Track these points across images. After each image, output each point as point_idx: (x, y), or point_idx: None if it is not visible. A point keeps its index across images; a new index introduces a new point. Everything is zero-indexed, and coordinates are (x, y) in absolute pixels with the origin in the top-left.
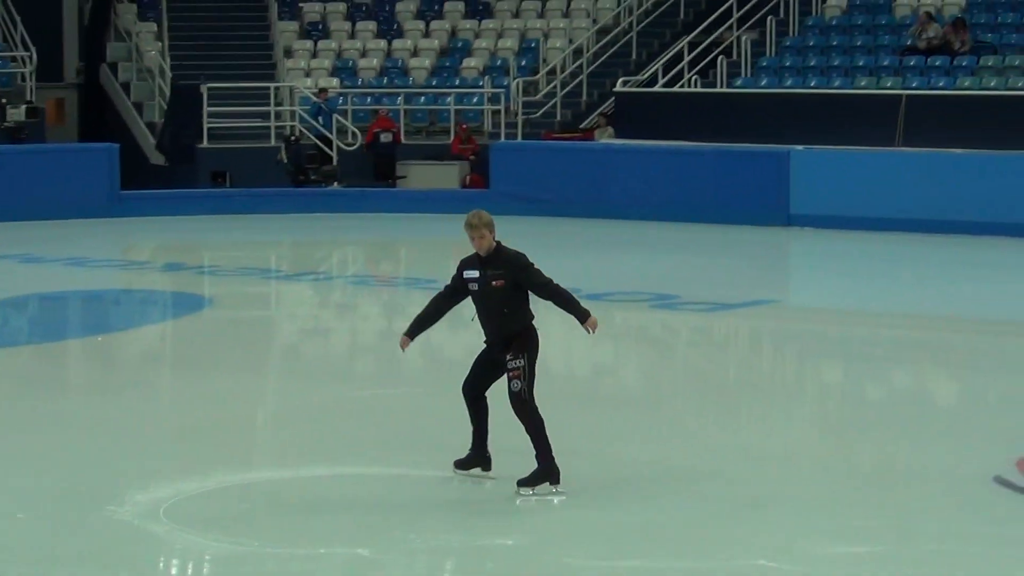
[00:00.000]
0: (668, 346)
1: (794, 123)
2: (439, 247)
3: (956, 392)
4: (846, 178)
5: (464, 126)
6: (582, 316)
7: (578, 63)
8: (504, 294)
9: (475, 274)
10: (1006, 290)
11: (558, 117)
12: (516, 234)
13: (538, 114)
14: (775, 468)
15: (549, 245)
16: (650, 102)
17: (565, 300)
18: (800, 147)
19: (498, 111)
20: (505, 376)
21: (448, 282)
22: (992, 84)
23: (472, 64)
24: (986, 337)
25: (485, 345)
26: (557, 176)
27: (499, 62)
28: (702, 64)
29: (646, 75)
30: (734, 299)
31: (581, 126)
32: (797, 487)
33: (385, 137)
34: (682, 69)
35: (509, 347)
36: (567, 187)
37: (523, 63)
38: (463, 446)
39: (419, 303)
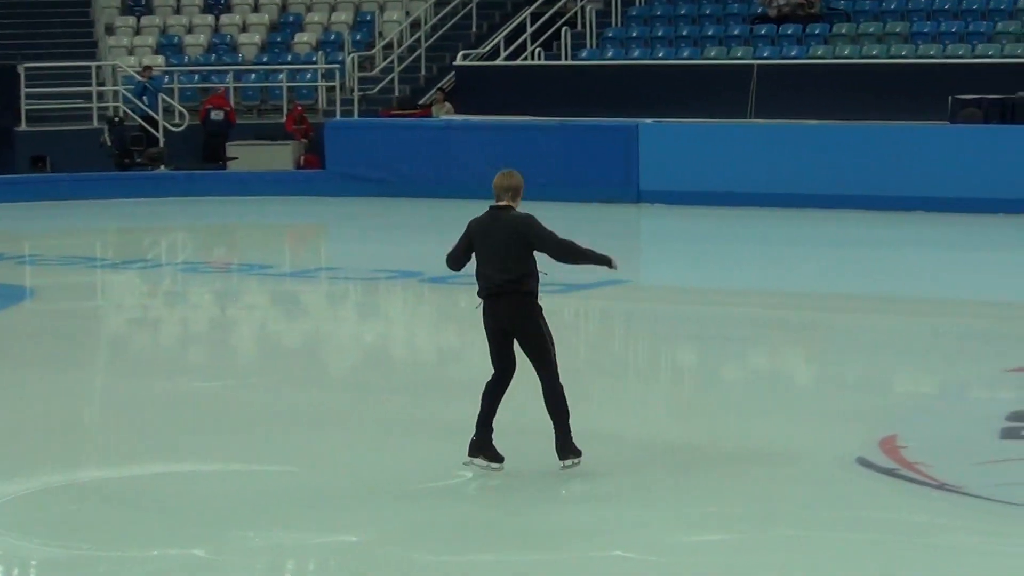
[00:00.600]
0: None
1: (642, 96)
2: (273, 231)
3: (816, 372)
4: (697, 152)
5: (297, 104)
6: None
7: (416, 36)
8: None
9: None
10: (862, 265)
11: (396, 93)
12: (353, 216)
13: (375, 90)
14: (631, 455)
15: (388, 227)
16: (492, 76)
17: None
18: (649, 120)
19: (333, 88)
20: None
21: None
22: (846, 52)
23: (304, 39)
24: (844, 314)
25: None
26: (395, 155)
27: (333, 36)
28: (545, 36)
29: (487, 48)
30: (584, 279)
31: (419, 102)
32: (653, 474)
33: (216, 115)
34: (525, 41)
35: None
36: (406, 166)
37: (358, 37)
38: (303, 439)
39: (254, 290)
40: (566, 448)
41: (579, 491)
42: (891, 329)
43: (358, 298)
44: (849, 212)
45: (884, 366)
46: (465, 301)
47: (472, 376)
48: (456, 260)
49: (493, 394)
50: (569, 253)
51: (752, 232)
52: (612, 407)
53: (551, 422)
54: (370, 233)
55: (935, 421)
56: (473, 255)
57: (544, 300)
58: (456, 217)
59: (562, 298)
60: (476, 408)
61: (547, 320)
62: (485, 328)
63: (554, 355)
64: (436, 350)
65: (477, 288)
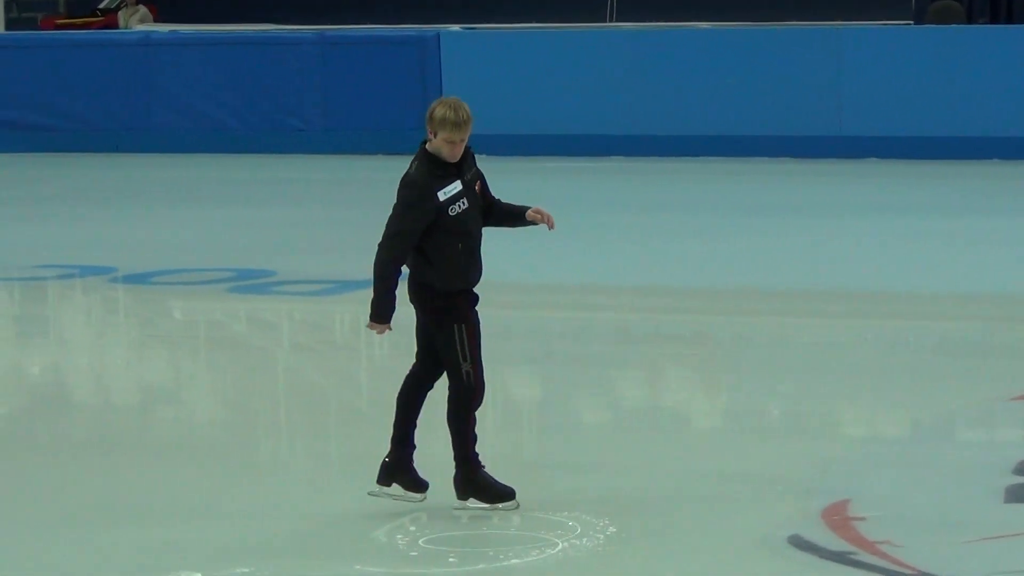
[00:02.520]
0: (263, 354)
1: None
2: None
3: (720, 407)
4: (531, 76)
5: None
6: (527, 215)
7: None
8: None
9: (457, 187)
10: (784, 243)
11: None
12: (1, 184)
13: None
14: (458, 537)
15: (57, 199)
16: None
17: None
18: (456, 27)
19: None
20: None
21: (401, 226)
22: None
23: None
24: (758, 319)
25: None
26: (64, 88)
27: None
28: None
29: None
30: (359, 273)
31: (100, 6)
32: (525, 554)
33: None
34: None
35: None
36: (81, 105)
37: None
38: None
39: None
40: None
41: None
42: (833, 340)
43: (14, 310)
44: (763, 163)
45: (824, 396)
46: (181, 309)
47: (197, 428)
48: None
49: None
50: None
51: (614, 195)
52: (422, 464)
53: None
54: (30, 210)
55: (905, 478)
56: None
57: (298, 305)
58: (163, 181)
59: (325, 302)
60: (201, 470)
61: None
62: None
63: None
64: (139, 389)
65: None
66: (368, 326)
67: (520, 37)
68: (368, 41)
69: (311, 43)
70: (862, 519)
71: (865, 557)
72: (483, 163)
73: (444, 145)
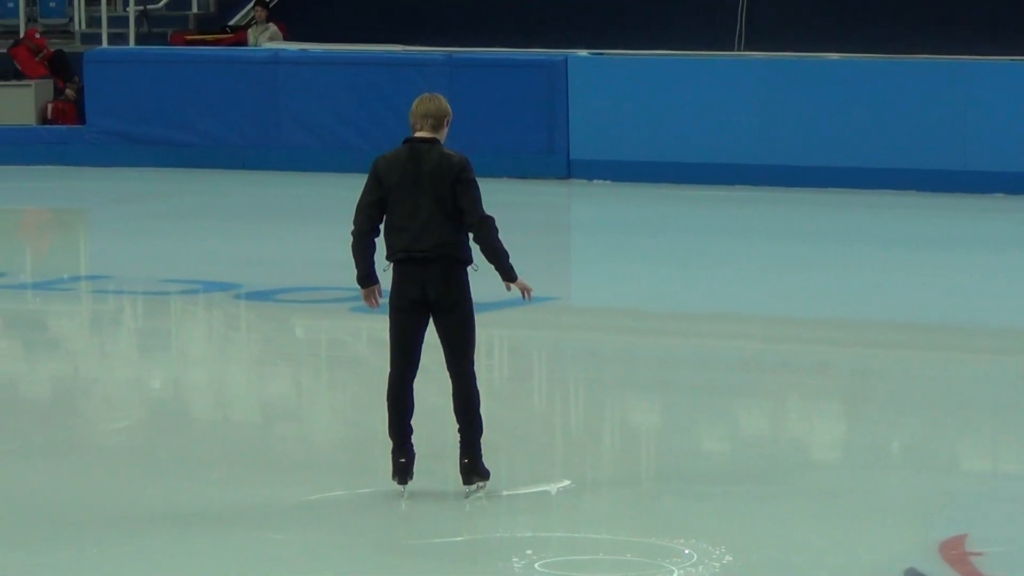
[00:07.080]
0: (384, 373)
1: (574, 17)
2: (6, 220)
3: (839, 439)
4: (658, 102)
5: (34, 29)
6: None
7: None
8: None
9: None
10: (909, 277)
11: (194, 9)
12: (129, 198)
13: (160, 5)
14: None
15: (184, 215)
16: None
17: None
18: (583, 52)
19: (95, 1)
20: None
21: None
22: None
23: None
24: (881, 351)
25: None
26: (193, 104)
27: None
28: None
29: None
30: (490, 295)
31: (230, 23)
32: None
33: None
34: None
35: None
36: (210, 122)
37: None
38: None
39: None
40: (474, 469)
41: None
42: (956, 374)
43: (139, 324)
44: (888, 195)
45: (946, 430)
46: (304, 326)
47: (315, 446)
48: (368, 218)
49: (405, 398)
50: (489, 234)
51: (740, 225)
52: (534, 501)
53: (458, 434)
54: (156, 224)
55: None
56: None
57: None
58: (288, 197)
59: None
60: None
61: None
62: (395, 304)
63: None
64: (260, 407)
65: (387, 250)
66: (521, 285)
67: (648, 63)
68: (496, 64)
69: (439, 64)
70: (980, 554)
71: None
72: (608, 188)
73: None
